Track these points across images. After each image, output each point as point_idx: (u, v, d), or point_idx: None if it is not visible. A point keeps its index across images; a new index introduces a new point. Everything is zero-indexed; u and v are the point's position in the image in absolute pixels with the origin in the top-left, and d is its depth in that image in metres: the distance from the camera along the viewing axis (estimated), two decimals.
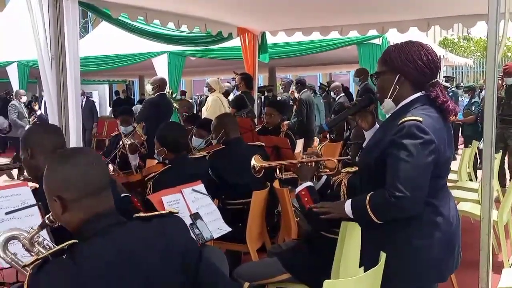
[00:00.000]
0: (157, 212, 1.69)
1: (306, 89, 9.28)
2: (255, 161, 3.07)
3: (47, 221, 1.82)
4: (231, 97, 9.27)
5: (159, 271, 1.56)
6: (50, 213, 1.72)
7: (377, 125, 2.52)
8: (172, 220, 1.68)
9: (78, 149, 1.73)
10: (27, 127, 8.90)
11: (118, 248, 1.51)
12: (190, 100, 15.00)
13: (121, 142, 5.34)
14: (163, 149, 3.60)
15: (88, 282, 1.42)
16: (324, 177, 2.92)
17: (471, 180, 6.47)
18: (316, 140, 8.77)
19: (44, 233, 2.18)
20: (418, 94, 2.23)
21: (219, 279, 1.75)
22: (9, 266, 2.31)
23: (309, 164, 2.83)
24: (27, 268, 1.46)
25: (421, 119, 2.09)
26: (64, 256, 1.46)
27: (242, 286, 2.77)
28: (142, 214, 1.66)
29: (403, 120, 2.11)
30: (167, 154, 3.61)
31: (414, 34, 6.74)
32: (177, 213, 1.76)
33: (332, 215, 2.38)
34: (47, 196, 1.61)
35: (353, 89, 15.39)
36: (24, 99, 10.14)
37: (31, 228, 1.96)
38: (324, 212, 2.41)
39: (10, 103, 10.32)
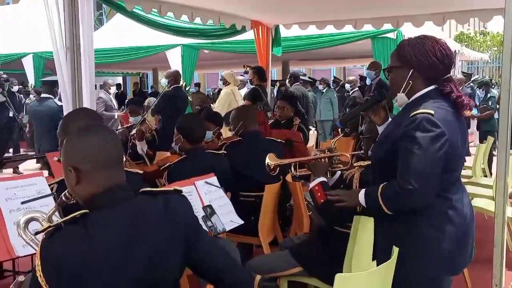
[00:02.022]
0: (162, 188, 1.76)
1: (298, 83, 9.44)
2: (270, 160, 3.06)
3: (63, 198, 1.90)
4: (244, 90, 9.28)
5: (162, 244, 1.61)
6: (66, 190, 1.78)
7: (390, 120, 2.52)
8: (176, 197, 1.74)
9: (96, 125, 1.82)
10: (116, 116, 8.72)
11: (127, 219, 1.57)
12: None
13: (132, 132, 5.38)
14: (179, 136, 3.65)
15: (97, 248, 1.48)
16: (338, 172, 2.91)
17: (485, 176, 6.42)
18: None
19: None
20: (431, 87, 2.23)
21: (216, 251, 1.79)
22: (24, 255, 2.36)
23: (322, 160, 2.82)
24: (39, 235, 1.52)
25: (432, 112, 2.09)
26: (77, 224, 1.51)
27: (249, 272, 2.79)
28: (148, 188, 1.71)
29: (415, 113, 2.11)
30: (183, 143, 3.66)
31: (429, 28, 6.68)
32: (182, 191, 1.82)
33: (345, 203, 2.38)
34: (63, 167, 1.65)
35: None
36: (113, 90, 9.53)
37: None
38: (338, 200, 2.41)
39: (98, 96, 9.86)
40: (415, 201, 2.09)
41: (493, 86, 10.27)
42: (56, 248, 1.46)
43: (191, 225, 1.72)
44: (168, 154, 4.79)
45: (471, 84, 12.20)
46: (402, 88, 2.26)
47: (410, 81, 2.23)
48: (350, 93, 9.57)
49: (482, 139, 7.70)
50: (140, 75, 22.88)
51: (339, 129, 6.36)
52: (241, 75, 10.22)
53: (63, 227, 1.50)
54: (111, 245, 1.50)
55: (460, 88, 2.38)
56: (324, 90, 11.01)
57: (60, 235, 1.48)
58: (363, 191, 2.32)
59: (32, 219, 1.98)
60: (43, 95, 7.21)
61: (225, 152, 3.89)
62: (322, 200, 2.60)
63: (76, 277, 1.44)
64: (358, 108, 2.66)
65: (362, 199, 2.29)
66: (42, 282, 1.43)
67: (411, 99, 2.26)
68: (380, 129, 2.53)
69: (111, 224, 1.54)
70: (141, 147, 5.20)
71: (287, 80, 10.29)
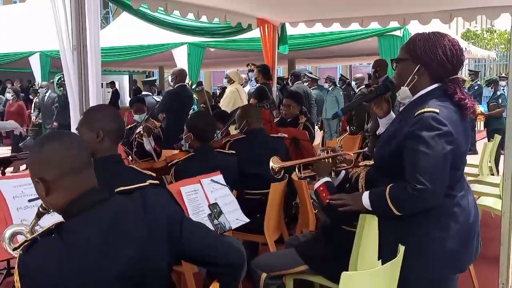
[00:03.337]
0: (137, 185, 1.72)
1: (300, 81, 9.42)
2: (273, 163, 3.06)
3: (40, 209, 1.88)
4: (247, 88, 9.28)
5: (146, 241, 1.60)
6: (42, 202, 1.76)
7: (392, 114, 2.51)
8: (153, 191, 1.72)
9: (58, 132, 1.78)
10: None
11: (105, 221, 1.55)
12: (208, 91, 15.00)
13: (137, 130, 5.40)
14: (190, 134, 3.67)
15: (76, 256, 1.46)
16: (343, 172, 2.90)
17: (492, 174, 6.39)
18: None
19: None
20: (435, 85, 2.22)
21: (202, 234, 1.78)
22: None
23: (326, 160, 2.82)
24: (17, 251, 1.50)
25: (437, 110, 2.08)
26: (52, 236, 1.50)
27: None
28: (123, 188, 1.68)
29: (420, 112, 2.10)
30: (193, 141, 3.68)
31: (436, 26, 6.63)
32: (159, 184, 1.80)
33: (350, 207, 2.38)
34: (31, 180, 1.64)
35: None
36: None
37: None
38: (342, 204, 2.41)
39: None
40: (428, 200, 2.08)
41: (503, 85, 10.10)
42: (33, 262, 1.44)
43: (173, 217, 1.70)
44: (174, 152, 4.79)
45: (478, 82, 12.14)
46: (407, 82, 2.25)
47: (416, 76, 2.22)
48: (356, 91, 9.53)
49: (490, 137, 7.66)
50: (146, 74, 22.88)
51: (346, 126, 6.34)
52: (247, 74, 10.21)
53: (39, 240, 1.48)
54: (90, 250, 1.48)
55: (465, 88, 2.37)
56: (330, 88, 10.99)
57: (36, 248, 1.47)
58: (366, 193, 2.30)
59: (15, 233, 1.98)
60: (144, 92, 8.38)
61: (234, 152, 3.91)
62: (328, 201, 2.60)
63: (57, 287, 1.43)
64: (361, 98, 2.67)
65: (367, 202, 2.28)
66: None
67: (415, 97, 2.25)
68: (381, 122, 2.52)
69: (89, 229, 1.52)
70: (149, 143, 5.23)
71: (289, 79, 10.28)
